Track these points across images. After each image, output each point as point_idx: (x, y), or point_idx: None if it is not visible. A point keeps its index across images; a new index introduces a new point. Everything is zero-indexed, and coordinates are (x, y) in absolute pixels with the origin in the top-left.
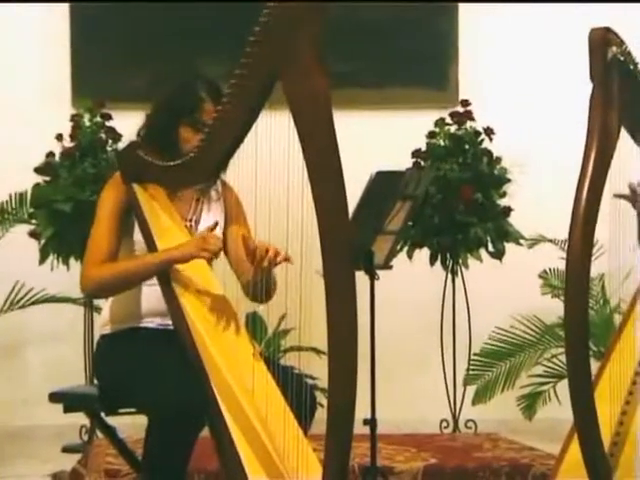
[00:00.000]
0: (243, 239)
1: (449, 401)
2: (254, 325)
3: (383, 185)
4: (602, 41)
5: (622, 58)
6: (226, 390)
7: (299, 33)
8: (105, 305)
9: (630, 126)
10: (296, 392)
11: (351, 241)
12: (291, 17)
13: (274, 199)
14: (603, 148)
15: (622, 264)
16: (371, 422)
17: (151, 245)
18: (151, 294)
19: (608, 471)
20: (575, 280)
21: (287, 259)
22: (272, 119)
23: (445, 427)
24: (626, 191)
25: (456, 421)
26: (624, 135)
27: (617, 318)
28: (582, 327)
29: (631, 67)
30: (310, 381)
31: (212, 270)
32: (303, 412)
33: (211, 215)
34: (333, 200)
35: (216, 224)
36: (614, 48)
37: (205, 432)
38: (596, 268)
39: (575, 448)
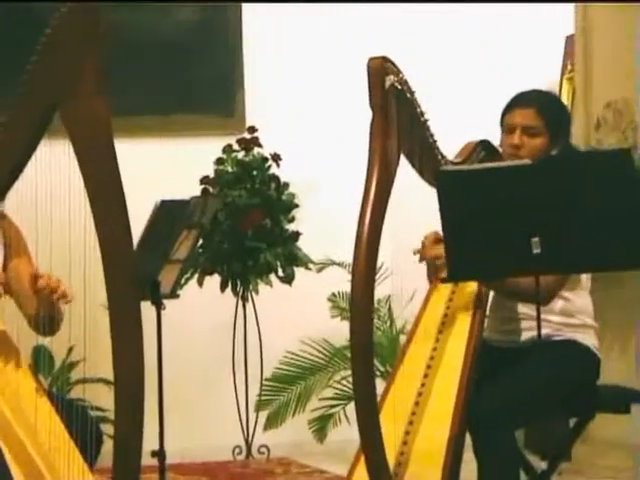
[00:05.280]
0: (34, 278)
1: (242, 427)
2: (40, 358)
3: (168, 214)
4: (380, 70)
5: (399, 86)
6: (6, 427)
7: (78, 60)
8: None
9: (409, 153)
10: (81, 426)
11: (136, 271)
12: (69, 43)
13: (56, 229)
14: (384, 174)
15: (406, 286)
16: (159, 453)
17: None
18: None
19: None
20: (359, 302)
21: (65, 296)
22: (53, 147)
23: (238, 453)
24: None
25: (249, 447)
26: (404, 162)
27: (403, 339)
28: (366, 348)
29: (408, 95)
30: (100, 413)
31: None
32: (88, 446)
33: None
34: (116, 230)
35: None
36: (391, 77)
37: None
38: (383, 290)
39: (361, 469)
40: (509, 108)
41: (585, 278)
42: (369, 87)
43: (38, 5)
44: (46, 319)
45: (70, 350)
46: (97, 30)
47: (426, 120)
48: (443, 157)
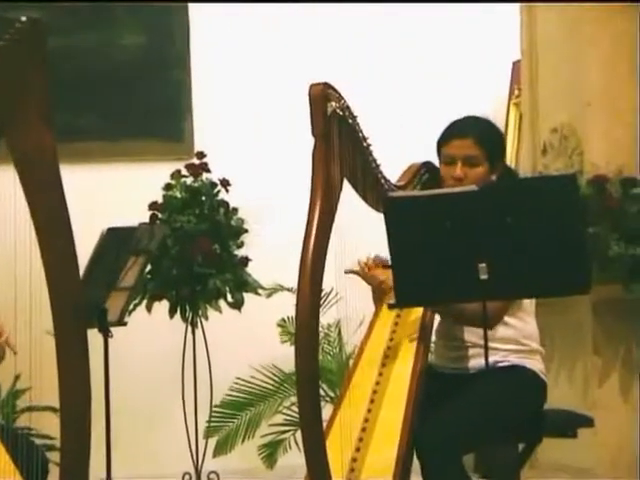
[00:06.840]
0: None
1: (191, 453)
2: None
3: (115, 241)
4: (321, 96)
5: (341, 113)
6: None
7: (23, 87)
8: None
9: (351, 178)
10: (26, 455)
11: (82, 299)
12: (14, 70)
13: (1, 256)
14: (326, 200)
15: (356, 311)
16: None
17: None
18: None
19: None
20: (304, 327)
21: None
22: None
23: None
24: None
25: (198, 473)
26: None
27: None
28: (312, 374)
29: (350, 121)
30: (47, 441)
31: None
32: (34, 475)
33: None
34: (63, 258)
35: None
36: (333, 103)
37: None
38: (333, 314)
39: None
40: (445, 139)
41: (528, 302)
42: (311, 114)
43: None
44: None
45: (16, 378)
46: (43, 56)
47: (369, 145)
48: (386, 181)
